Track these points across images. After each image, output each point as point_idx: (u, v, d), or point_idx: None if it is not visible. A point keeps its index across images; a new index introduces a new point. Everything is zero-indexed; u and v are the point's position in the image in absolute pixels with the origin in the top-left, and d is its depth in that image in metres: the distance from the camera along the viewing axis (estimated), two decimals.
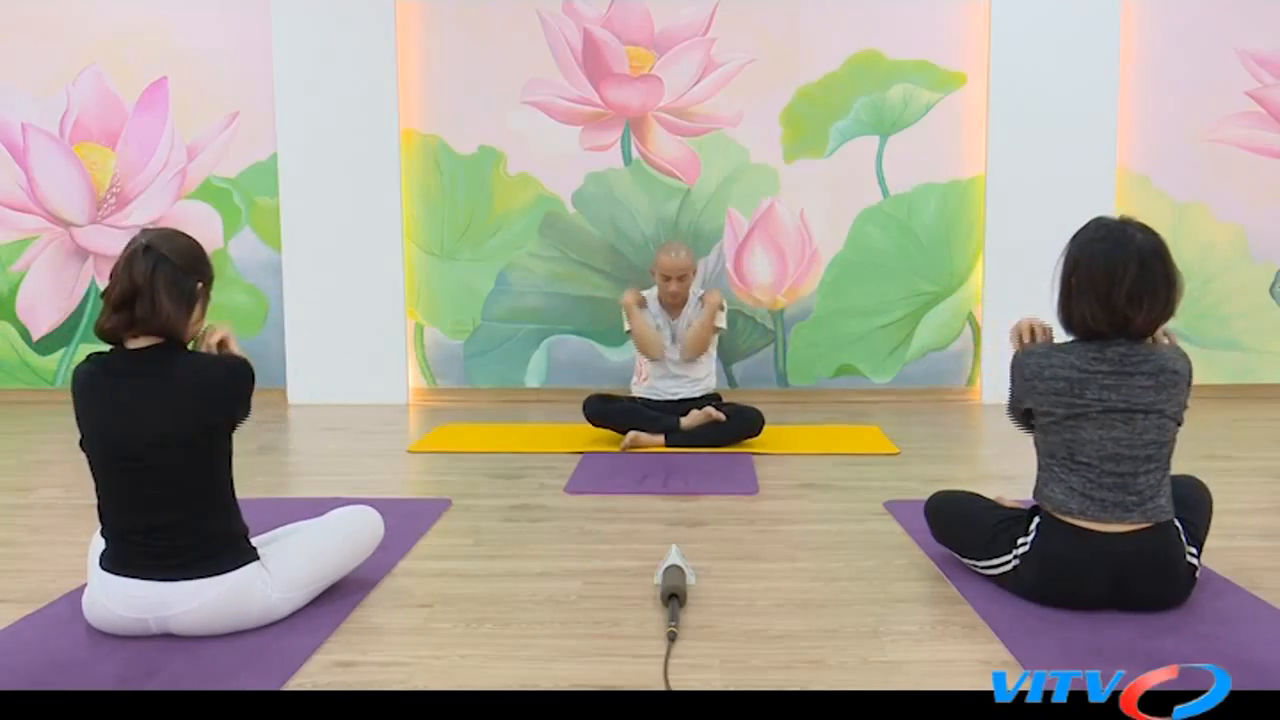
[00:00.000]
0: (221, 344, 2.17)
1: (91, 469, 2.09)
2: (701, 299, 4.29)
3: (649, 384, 4.32)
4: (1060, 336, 2.28)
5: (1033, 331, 2.35)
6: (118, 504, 2.06)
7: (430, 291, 5.58)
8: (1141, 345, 2.18)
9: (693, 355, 4.25)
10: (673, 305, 4.29)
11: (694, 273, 4.28)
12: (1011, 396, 2.36)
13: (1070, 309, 2.20)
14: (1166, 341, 2.25)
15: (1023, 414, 2.34)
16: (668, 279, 4.20)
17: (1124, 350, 2.16)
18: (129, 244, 2.07)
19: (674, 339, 4.29)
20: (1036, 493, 2.29)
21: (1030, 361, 2.25)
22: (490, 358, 5.61)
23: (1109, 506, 2.16)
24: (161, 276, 2.01)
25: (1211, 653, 1.93)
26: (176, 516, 2.03)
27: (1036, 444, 2.31)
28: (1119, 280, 2.11)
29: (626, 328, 4.31)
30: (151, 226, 2.16)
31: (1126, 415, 2.15)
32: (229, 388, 2.09)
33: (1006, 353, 2.40)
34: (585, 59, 5.43)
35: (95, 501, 2.08)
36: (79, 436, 2.08)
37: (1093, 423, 2.16)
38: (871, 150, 5.43)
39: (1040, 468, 2.29)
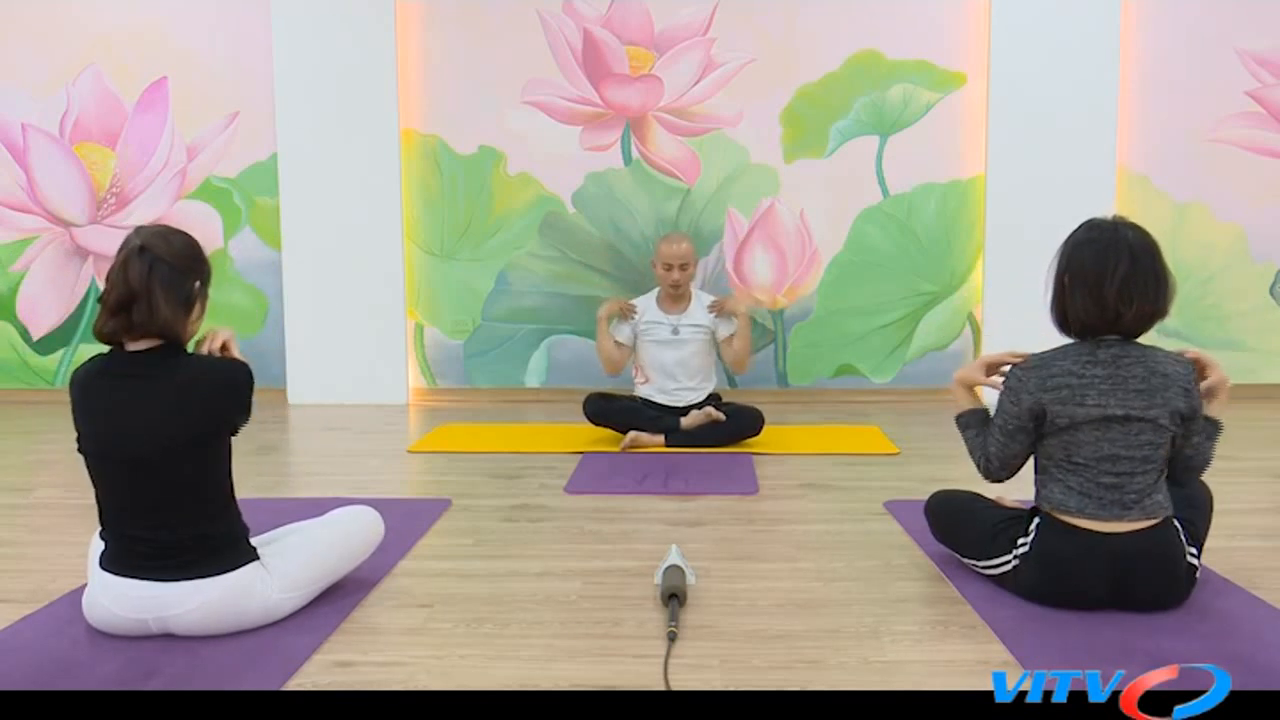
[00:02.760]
0: (223, 348, 2.16)
1: (90, 471, 2.08)
2: (716, 306, 4.27)
3: (650, 384, 4.31)
4: (1055, 339, 2.28)
5: (999, 365, 2.33)
6: (117, 505, 2.06)
7: (430, 291, 5.58)
8: (1134, 345, 2.19)
9: (743, 368, 4.44)
10: (673, 297, 4.29)
11: (695, 263, 4.29)
12: (1003, 418, 2.26)
13: (1064, 306, 2.22)
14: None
15: (1014, 431, 2.25)
16: (669, 268, 4.21)
17: (1117, 352, 2.18)
18: (124, 244, 2.03)
19: (675, 330, 4.27)
20: (1036, 495, 2.30)
21: (1031, 376, 2.21)
22: (490, 358, 5.61)
23: (1107, 504, 2.17)
24: (158, 279, 1.99)
25: (1211, 653, 1.93)
26: (176, 517, 2.03)
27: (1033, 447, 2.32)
28: (1110, 275, 2.13)
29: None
30: (146, 224, 2.10)
31: (1123, 419, 2.16)
32: (229, 392, 2.08)
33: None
34: (585, 59, 5.43)
35: (95, 501, 2.08)
36: (75, 437, 2.08)
37: (1091, 424, 2.17)
38: (871, 150, 5.43)
39: (1038, 470, 2.31)
